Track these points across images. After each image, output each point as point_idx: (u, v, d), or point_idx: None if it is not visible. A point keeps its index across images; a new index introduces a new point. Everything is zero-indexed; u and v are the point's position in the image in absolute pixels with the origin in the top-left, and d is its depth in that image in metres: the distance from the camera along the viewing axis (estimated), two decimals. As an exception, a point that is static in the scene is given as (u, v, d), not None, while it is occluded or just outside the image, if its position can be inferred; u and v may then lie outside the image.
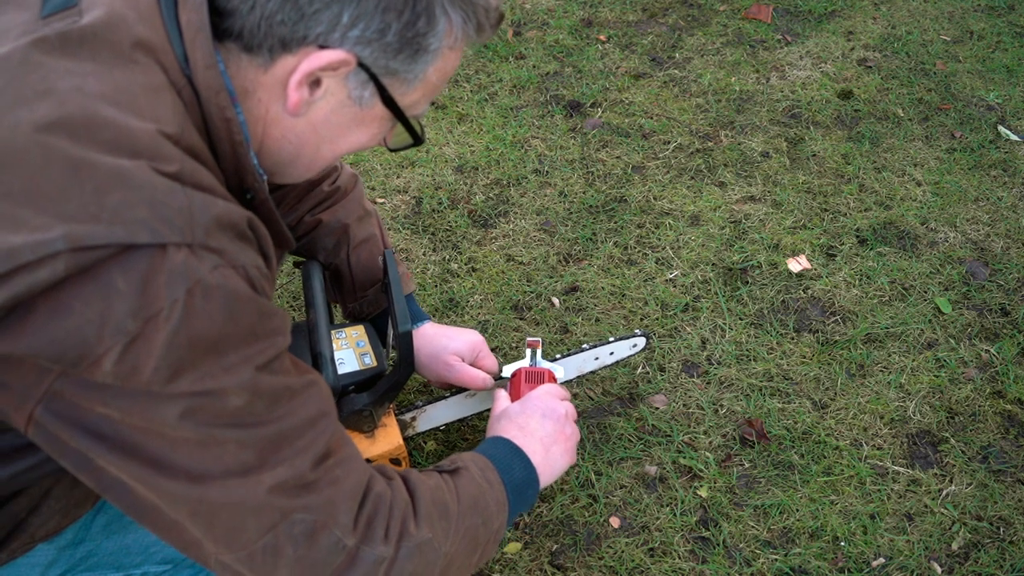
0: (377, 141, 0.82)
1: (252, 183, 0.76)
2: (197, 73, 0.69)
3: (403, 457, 1.22)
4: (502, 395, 1.19)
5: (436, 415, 1.36)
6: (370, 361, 1.17)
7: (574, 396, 1.53)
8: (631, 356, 1.49)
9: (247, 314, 0.65)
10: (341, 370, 1.13)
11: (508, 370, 1.29)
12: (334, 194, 1.26)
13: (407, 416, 1.33)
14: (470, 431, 1.48)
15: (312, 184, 1.23)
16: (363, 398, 1.15)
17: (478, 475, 0.94)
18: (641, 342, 1.46)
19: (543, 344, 1.51)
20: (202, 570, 0.99)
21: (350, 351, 1.19)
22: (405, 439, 1.27)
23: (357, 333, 1.22)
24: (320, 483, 0.73)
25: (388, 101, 0.75)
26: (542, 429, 1.08)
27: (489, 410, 1.46)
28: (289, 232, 0.89)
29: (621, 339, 1.44)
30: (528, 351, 1.29)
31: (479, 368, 1.28)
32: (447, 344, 1.27)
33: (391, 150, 0.91)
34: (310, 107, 0.74)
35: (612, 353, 1.44)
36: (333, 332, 1.20)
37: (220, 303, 0.63)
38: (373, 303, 1.28)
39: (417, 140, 0.83)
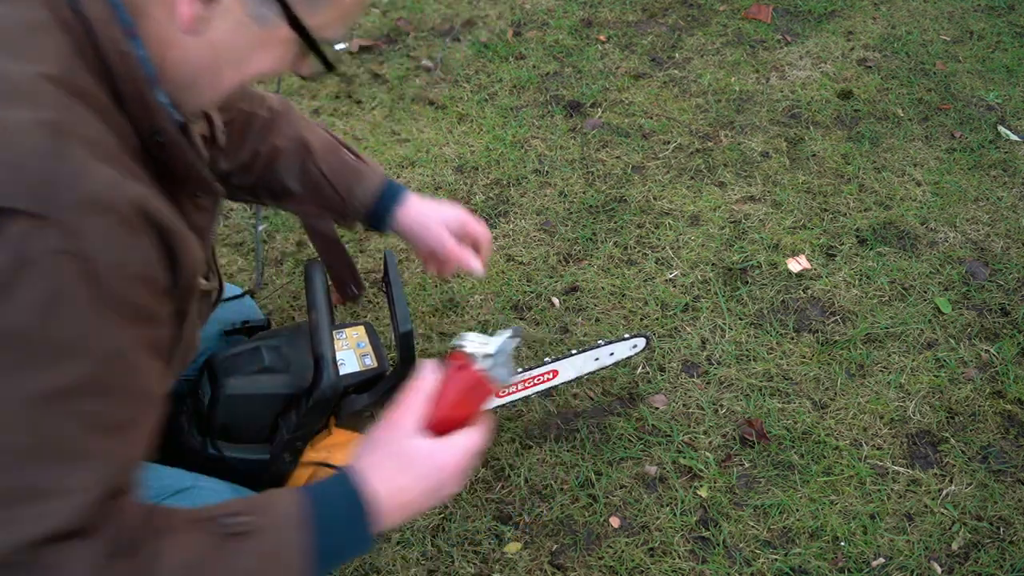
0: (285, 66, 0.75)
1: (161, 123, 0.69)
2: (84, 3, 0.63)
3: None
4: (426, 375, 0.83)
5: None
6: (371, 362, 1.16)
7: (573, 396, 1.53)
8: (631, 357, 1.49)
9: (59, 325, 0.56)
10: (342, 371, 1.12)
11: (467, 340, 0.91)
12: (276, 117, 1.15)
13: None
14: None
15: (248, 115, 1.12)
16: (364, 399, 1.15)
17: (272, 543, 0.70)
18: (641, 343, 1.46)
19: (522, 341, 1.46)
20: None
21: (350, 352, 1.18)
22: None
23: (357, 334, 1.21)
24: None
25: (293, 22, 0.69)
26: (417, 487, 0.79)
27: (489, 412, 1.46)
28: (210, 175, 0.82)
29: (621, 340, 1.44)
30: (499, 337, 0.90)
31: (472, 237, 1.20)
32: (435, 214, 1.19)
33: (303, 78, 0.85)
34: (207, 25, 0.67)
35: (612, 354, 1.44)
36: (334, 333, 1.19)
37: (37, 296, 0.55)
38: (363, 201, 1.18)
39: (328, 67, 0.76)
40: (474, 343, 0.85)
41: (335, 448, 1.16)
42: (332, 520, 0.74)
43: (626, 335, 1.48)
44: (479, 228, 1.21)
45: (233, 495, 1.09)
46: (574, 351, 1.41)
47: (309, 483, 0.79)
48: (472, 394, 0.84)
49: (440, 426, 0.82)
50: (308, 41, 0.71)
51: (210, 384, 1.09)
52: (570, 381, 1.44)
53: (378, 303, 1.69)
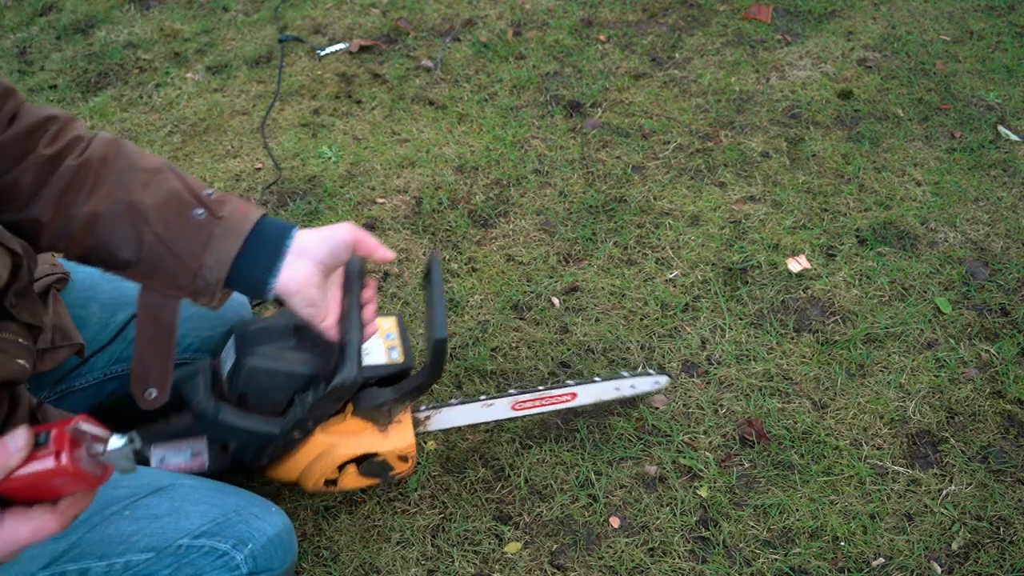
0: None
1: None
2: None
3: (412, 455, 1.21)
4: (10, 449, 0.69)
5: (450, 418, 1.35)
6: (397, 356, 1.12)
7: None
8: (651, 392, 1.50)
9: None
10: (367, 361, 1.09)
11: (84, 427, 0.74)
12: (88, 171, 0.91)
13: (422, 415, 1.31)
14: (471, 431, 1.48)
15: (51, 163, 0.90)
16: (386, 394, 1.12)
17: None
18: (664, 381, 1.47)
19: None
20: (183, 557, 0.99)
21: (379, 342, 1.14)
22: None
23: (388, 324, 1.17)
24: None
25: None
26: None
27: (503, 422, 1.46)
28: None
29: (645, 375, 1.45)
30: (118, 441, 0.75)
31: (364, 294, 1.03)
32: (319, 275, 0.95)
33: None
34: None
35: (633, 387, 1.45)
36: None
37: None
38: (217, 273, 0.91)
39: None
40: (90, 432, 0.74)
41: (345, 435, 1.15)
42: None
43: (651, 371, 1.50)
44: (377, 252, 1.00)
45: (214, 495, 1.09)
46: (597, 378, 1.42)
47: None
48: (56, 479, 0.73)
49: (13, 494, 0.73)
50: None
51: (235, 351, 1.07)
52: (585, 405, 1.44)
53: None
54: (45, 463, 0.71)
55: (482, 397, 1.35)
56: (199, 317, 1.34)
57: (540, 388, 1.38)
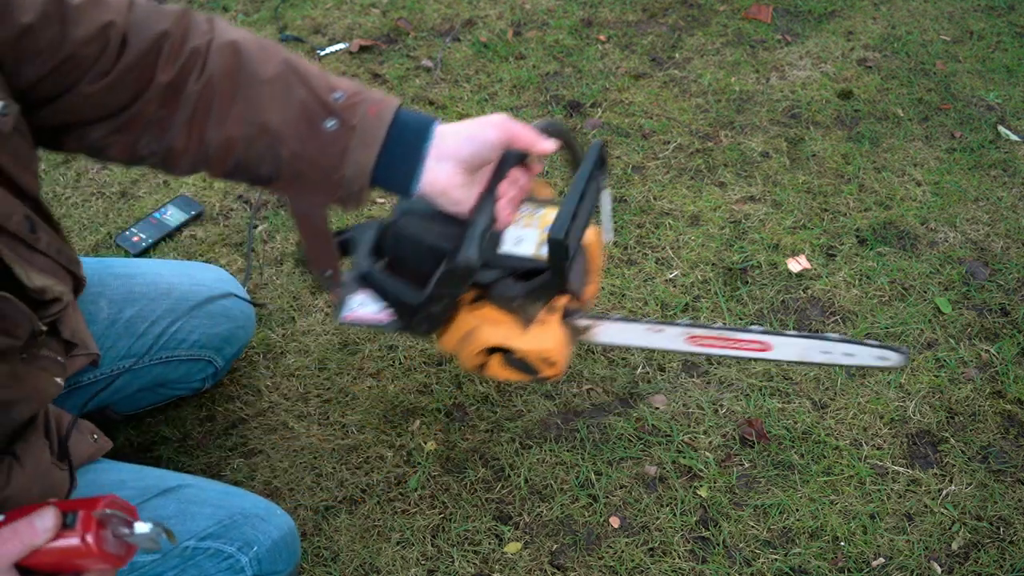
0: None
1: None
2: None
3: (558, 362, 1.08)
4: (39, 528, 0.73)
5: (617, 334, 1.17)
6: (546, 252, 1.00)
7: (573, 396, 1.53)
8: (873, 368, 1.24)
9: None
10: (512, 250, 1.00)
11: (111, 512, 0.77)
12: (212, 93, 0.87)
13: (581, 323, 1.14)
14: (470, 431, 1.48)
15: (172, 90, 0.87)
16: (515, 287, 1.03)
17: None
18: (894, 357, 1.13)
19: None
20: (189, 559, 0.99)
21: (534, 232, 1.02)
22: (578, 345, 1.13)
23: (553, 216, 1.01)
24: None
25: None
26: None
27: (673, 353, 1.25)
28: None
29: (864, 344, 1.13)
30: (145, 526, 0.78)
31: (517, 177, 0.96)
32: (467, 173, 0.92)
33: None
34: None
35: (850, 355, 1.15)
36: (531, 205, 1.04)
37: None
38: (359, 181, 0.91)
39: None
40: (116, 515, 0.77)
41: (487, 321, 1.07)
42: None
43: (874, 341, 1.15)
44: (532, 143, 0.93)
45: (221, 497, 1.09)
46: (793, 332, 1.17)
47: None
48: (85, 561, 0.76)
49: (39, 567, 0.76)
50: None
51: (395, 212, 1.05)
52: (782, 362, 1.22)
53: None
54: (71, 541, 0.74)
55: (650, 319, 1.18)
56: (204, 316, 1.35)
57: (721, 326, 1.17)
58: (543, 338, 1.07)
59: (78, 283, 0.93)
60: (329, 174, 0.90)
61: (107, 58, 0.83)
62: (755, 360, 1.27)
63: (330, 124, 0.89)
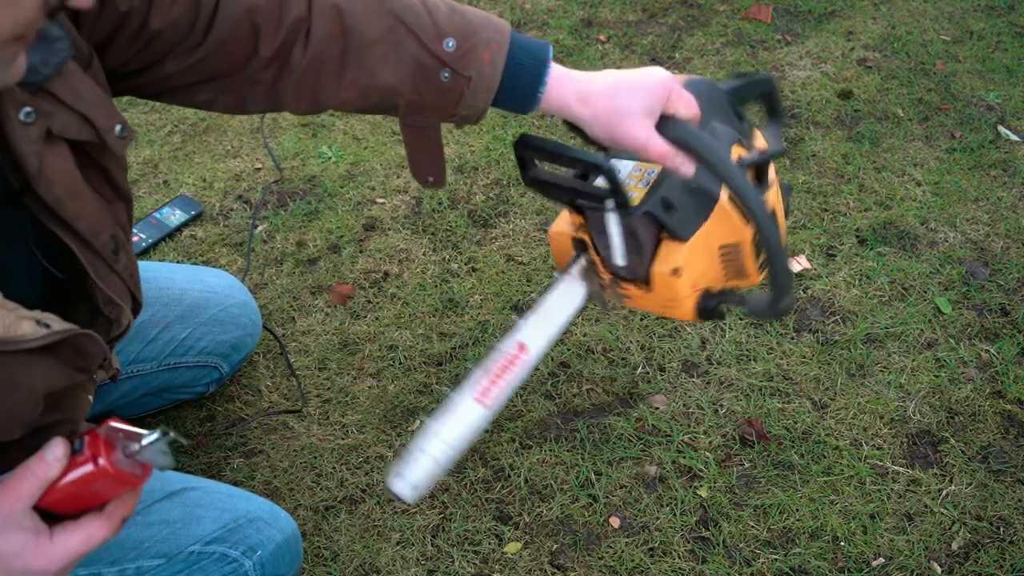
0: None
1: None
2: None
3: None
4: (49, 460, 0.73)
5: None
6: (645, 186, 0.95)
7: (573, 396, 1.53)
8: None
9: None
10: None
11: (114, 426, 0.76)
12: (320, 62, 0.88)
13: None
14: (470, 431, 1.48)
15: (277, 62, 0.88)
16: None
17: None
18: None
19: None
20: (194, 564, 0.99)
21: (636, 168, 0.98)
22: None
23: (655, 172, 0.96)
24: None
25: None
26: None
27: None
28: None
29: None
30: (151, 436, 0.76)
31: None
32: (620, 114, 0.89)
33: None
34: None
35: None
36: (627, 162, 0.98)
37: None
38: (477, 112, 0.93)
39: None
40: (122, 431, 0.75)
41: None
42: None
43: None
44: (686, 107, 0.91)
45: (225, 500, 1.09)
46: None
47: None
48: (99, 483, 0.75)
49: (59, 506, 0.75)
50: None
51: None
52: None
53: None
54: (84, 469, 0.73)
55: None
56: (213, 322, 1.36)
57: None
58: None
59: (137, 306, 0.93)
60: (446, 110, 0.92)
61: (195, 35, 0.84)
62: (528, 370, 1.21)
63: (445, 75, 0.89)
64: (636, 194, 0.97)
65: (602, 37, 2.52)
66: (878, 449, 1.46)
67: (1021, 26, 2.58)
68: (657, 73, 0.89)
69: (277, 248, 1.84)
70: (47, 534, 0.72)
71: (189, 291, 1.34)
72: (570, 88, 0.90)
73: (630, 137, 0.88)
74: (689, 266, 0.99)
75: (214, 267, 1.78)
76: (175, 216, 1.88)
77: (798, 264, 1.79)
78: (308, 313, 1.70)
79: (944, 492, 1.40)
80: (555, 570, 1.30)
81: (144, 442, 0.74)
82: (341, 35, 0.87)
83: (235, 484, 1.30)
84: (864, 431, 1.48)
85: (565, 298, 1.06)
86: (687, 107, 0.90)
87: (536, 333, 1.05)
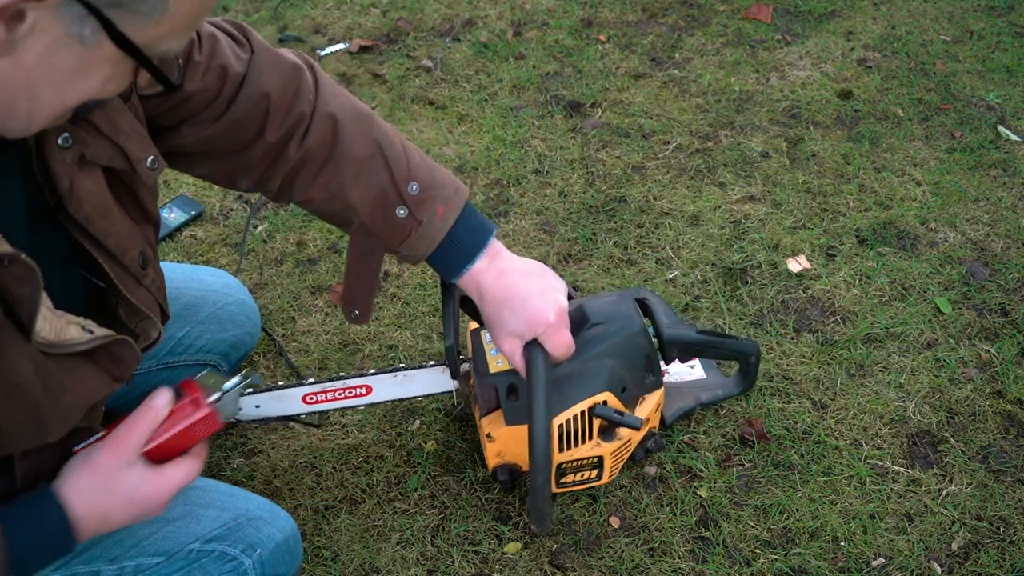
0: (117, 87, 0.69)
1: None
2: None
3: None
4: (159, 403, 0.91)
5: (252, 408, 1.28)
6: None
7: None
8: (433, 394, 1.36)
9: None
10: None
11: (203, 375, 0.98)
12: (307, 162, 1.01)
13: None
14: (471, 431, 1.48)
15: (276, 149, 1.00)
16: None
17: None
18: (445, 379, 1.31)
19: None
20: (194, 562, 0.99)
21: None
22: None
23: None
24: None
25: (118, 38, 0.62)
26: (121, 514, 0.87)
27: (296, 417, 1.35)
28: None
29: (424, 367, 1.32)
30: (235, 378, 0.98)
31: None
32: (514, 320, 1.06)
33: (143, 97, 0.82)
34: (15, 46, 0.60)
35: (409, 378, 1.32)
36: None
37: None
38: (416, 257, 1.07)
39: (168, 85, 0.70)
40: (209, 378, 0.92)
41: None
42: (28, 548, 0.80)
43: (434, 361, 1.33)
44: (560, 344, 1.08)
45: (225, 499, 1.09)
46: (388, 371, 1.33)
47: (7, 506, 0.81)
48: (198, 427, 0.90)
49: (159, 452, 0.88)
50: (139, 58, 0.65)
51: None
52: (378, 404, 1.44)
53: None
54: (193, 415, 0.89)
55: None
56: (211, 320, 1.36)
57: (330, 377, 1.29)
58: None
59: (165, 317, 0.99)
60: (391, 243, 1.05)
61: (217, 107, 0.96)
62: (357, 407, 1.42)
63: (401, 212, 1.02)
64: (502, 362, 1.20)
65: (602, 37, 2.52)
66: (878, 449, 1.46)
67: (1021, 26, 2.58)
68: (550, 308, 1.04)
69: (277, 248, 1.84)
70: (157, 469, 0.87)
71: (186, 290, 1.34)
72: (484, 279, 1.06)
73: (498, 342, 1.08)
74: (501, 440, 1.25)
75: (214, 267, 1.78)
76: (175, 216, 1.88)
77: (798, 264, 1.79)
78: (308, 313, 1.70)
79: (944, 492, 1.40)
80: (555, 570, 1.30)
81: (227, 387, 0.91)
82: (332, 143, 1.01)
83: (235, 484, 1.30)
84: (864, 431, 1.48)
85: (432, 378, 1.30)
86: (555, 347, 1.07)
87: (389, 389, 1.29)
